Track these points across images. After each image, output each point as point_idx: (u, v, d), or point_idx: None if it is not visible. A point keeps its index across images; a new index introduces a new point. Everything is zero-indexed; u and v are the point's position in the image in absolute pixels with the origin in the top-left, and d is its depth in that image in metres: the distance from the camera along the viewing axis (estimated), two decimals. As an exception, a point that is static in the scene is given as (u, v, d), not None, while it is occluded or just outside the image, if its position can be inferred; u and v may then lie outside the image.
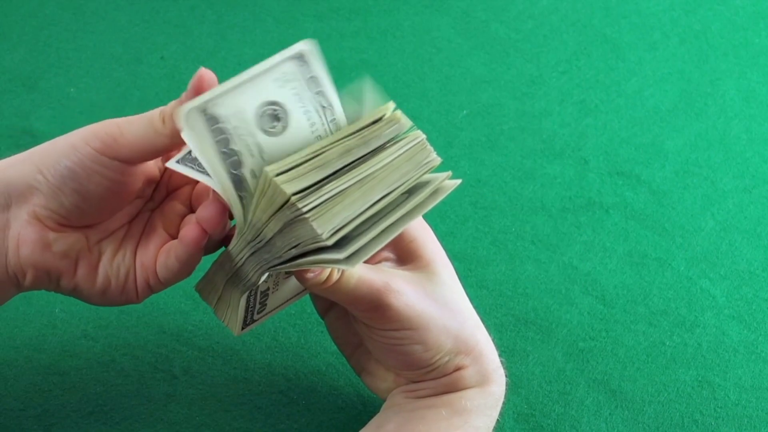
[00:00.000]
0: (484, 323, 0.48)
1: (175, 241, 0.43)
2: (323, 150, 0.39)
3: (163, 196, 0.47)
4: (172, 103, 0.41)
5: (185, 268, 0.43)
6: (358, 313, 0.45)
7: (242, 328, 0.47)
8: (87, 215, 0.43)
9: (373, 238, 0.39)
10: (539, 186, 0.68)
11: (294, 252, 0.39)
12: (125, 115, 0.41)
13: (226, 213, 0.42)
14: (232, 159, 0.39)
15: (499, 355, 0.48)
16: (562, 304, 0.60)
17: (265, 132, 0.39)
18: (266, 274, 0.42)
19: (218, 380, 0.54)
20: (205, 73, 0.39)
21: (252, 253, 0.41)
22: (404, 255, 0.46)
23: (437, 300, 0.45)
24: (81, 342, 0.55)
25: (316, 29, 0.80)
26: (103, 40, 0.77)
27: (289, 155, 0.39)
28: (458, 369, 0.46)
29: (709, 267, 0.63)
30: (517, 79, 0.77)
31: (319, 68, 0.41)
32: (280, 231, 0.39)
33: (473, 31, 0.81)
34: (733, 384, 0.56)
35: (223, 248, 0.45)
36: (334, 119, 0.42)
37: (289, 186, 0.37)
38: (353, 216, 0.38)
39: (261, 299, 0.47)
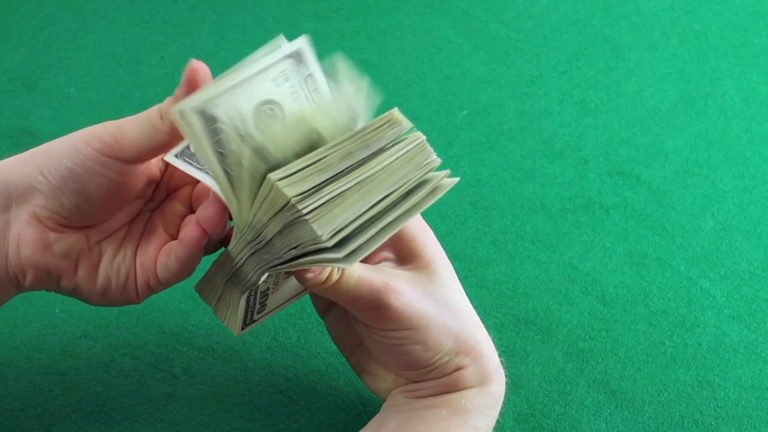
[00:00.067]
0: (484, 323, 0.48)
1: (175, 241, 0.43)
2: (325, 155, 0.39)
3: (163, 197, 0.47)
4: (169, 99, 0.41)
5: (185, 268, 0.43)
6: (358, 313, 0.45)
7: (242, 328, 0.47)
8: (88, 216, 0.43)
9: (372, 237, 0.39)
10: (539, 186, 0.68)
11: (294, 253, 0.39)
12: (125, 116, 0.41)
13: (226, 213, 0.42)
14: (229, 159, 0.39)
15: (499, 355, 0.48)
16: (562, 304, 0.60)
17: (262, 131, 0.39)
18: (266, 275, 0.42)
19: (218, 380, 0.54)
20: (198, 65, 0.39)
21: (252, 254, 0.41)
22: (404, 255, 0.46)
23: (437, 300, 0.45)
24: (81, 342, 0.55)
25: (316, 29, 0.80)
26: (103, 40, 0.77)
27: (287, 157, 0.39)
28: (458, 369, 0.46)
29: (709, 267, 0.63)
30: (517, 79, 0.77)
31: (315, 66, 0.41)
32: (280, 232, 0.39)
33: (473, 31, 0.81)
34: (733, 384, 0.56)
35: (223, 248, 0.45)
36: None
37: (291, 189, 0.37)
38: (353, 218, 0.38)
39: (261, 299, 0.47)
